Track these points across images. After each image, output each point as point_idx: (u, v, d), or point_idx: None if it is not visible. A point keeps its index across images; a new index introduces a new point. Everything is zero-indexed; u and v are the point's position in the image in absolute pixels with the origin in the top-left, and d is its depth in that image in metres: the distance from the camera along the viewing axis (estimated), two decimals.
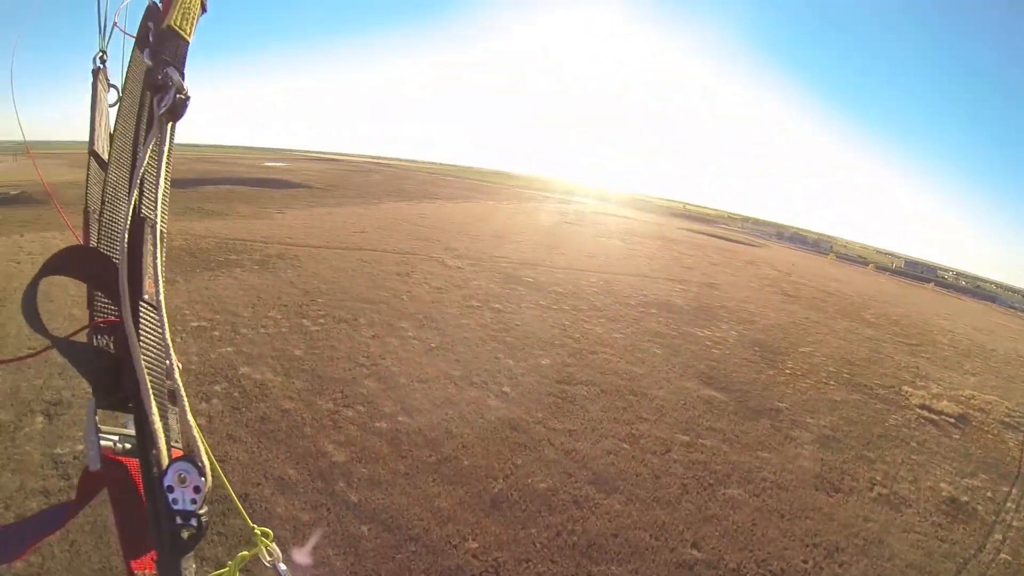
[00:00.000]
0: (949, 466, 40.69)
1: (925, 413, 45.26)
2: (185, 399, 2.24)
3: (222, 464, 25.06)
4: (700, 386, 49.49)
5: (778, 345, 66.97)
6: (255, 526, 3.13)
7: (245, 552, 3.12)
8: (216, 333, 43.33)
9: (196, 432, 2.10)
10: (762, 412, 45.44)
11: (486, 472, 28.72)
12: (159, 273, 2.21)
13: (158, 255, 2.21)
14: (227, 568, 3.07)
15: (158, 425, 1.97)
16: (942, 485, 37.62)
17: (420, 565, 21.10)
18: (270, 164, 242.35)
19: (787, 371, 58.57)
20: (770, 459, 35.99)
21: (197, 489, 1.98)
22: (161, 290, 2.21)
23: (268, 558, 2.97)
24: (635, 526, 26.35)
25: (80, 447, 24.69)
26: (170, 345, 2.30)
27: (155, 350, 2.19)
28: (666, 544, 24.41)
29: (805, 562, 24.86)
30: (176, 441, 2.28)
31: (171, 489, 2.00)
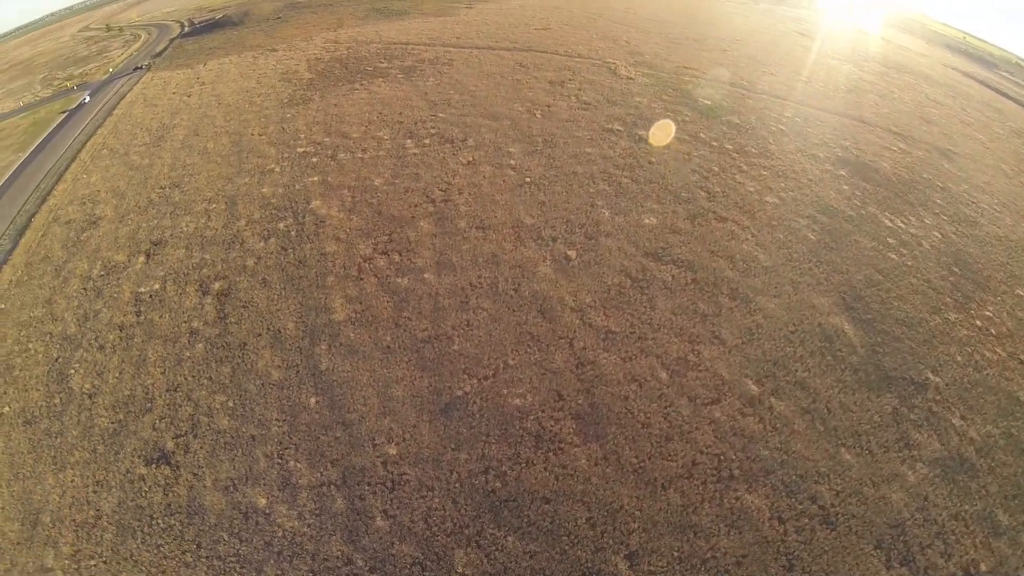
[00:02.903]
0: None
1: None
2: None
3: (244, 309, 31.02)
4: (833, 309, 31.67)
5: (990, 273, 37.74)
6: None
7: None
8: (314, 160, 49.47)
9: None
10: (895, 381, 26.50)
11: (469, 366, 26.92)
12: None
13: None
14: None
15: None
16: None
17: (332, 453, 23.44)
18: None
19: (978, 321, 33.20)
20: (852, 476, 20.70)
21: None
22: None
23: None
24: (581, 496, 19.80)
25: (157, 286, 33.92)
26: None
27: None
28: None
29: None
30: None
31: None
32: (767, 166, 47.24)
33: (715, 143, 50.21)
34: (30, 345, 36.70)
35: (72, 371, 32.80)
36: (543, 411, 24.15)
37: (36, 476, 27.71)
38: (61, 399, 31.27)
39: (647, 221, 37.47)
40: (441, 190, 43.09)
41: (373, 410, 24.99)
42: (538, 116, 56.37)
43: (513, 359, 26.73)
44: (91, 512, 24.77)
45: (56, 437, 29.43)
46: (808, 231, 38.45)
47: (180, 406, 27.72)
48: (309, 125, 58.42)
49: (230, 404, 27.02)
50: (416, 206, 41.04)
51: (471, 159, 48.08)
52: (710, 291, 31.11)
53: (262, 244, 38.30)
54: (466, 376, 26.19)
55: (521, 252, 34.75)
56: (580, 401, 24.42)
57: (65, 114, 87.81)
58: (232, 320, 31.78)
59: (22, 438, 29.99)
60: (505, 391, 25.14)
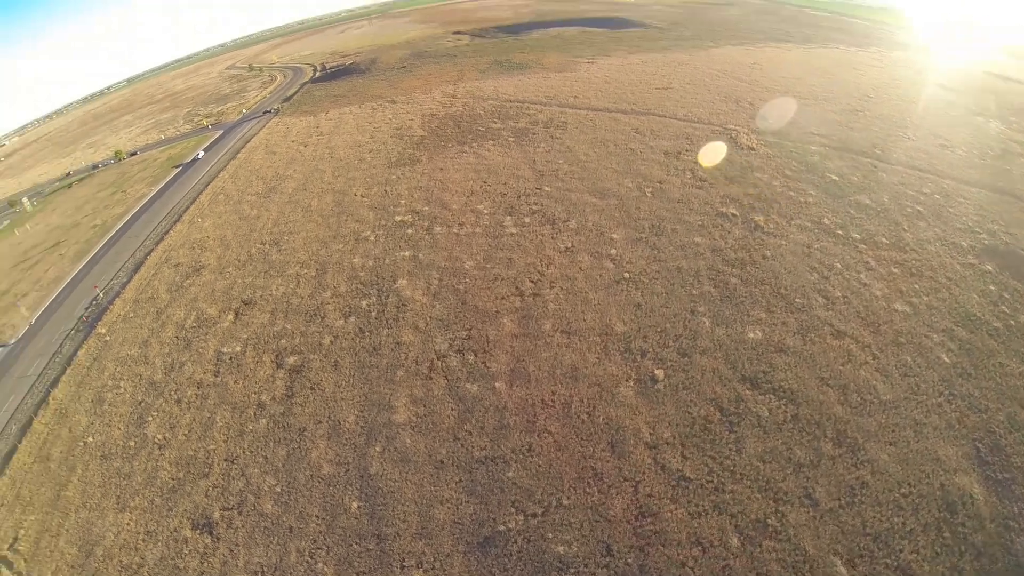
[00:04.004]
0: None
1: None
2: None
3: (311, 391, 35.82)
4: (962, 464, 28.65)
5: None
6: None
7: None
8: (410, 231, 55.88)
9: None
10: None
11: (519, 499, 28.57)
12: None
13: None
14: None
15: None
16: None
17: (361, 565, 26.06)
18: None
19: None
20: None
21: None
22: None
23: None
24: None
25: (238, 348, 40.12)
26: None
27: None
28: None
29: None
30: None
31: None
32: (899, 261, 45.03)
33: (840, 231, 48.98)
34: (121, 383, 44.79)
35: (150, 418, 39.65)
36: (586, 566, 24.95)
37: (100, 510, 34.23)
38: (136, 443, 38.07)
39: (751, 335, 37.44)
40: (532, 281, 46.11)
41: (410, 528, 27.41)
42: (648, 195, 58.55)
43: (568, 498, 27.96)
44: (136, 558, 29.93)
45: (124, 478, 35.96)
46: (942, 351, 35.83)
47: (233, 479, 32.39)
48: (411, 190, 65.89)
49: (278, 489, 31.10)
50: (503, 299, 44.28)
51: (570, 245, 50.91)
52: (812, 433, 30.27)
53: (342, 322, 43.73)
54: (513, 510, 27.83)
55: (605, 367, 36.31)
56: (630, 560, 24.91)
57: (179, 168, 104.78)
58: (298, 401, 36.67)
59: (97, 471, 37.17)
60: (551, 535, 26.33)
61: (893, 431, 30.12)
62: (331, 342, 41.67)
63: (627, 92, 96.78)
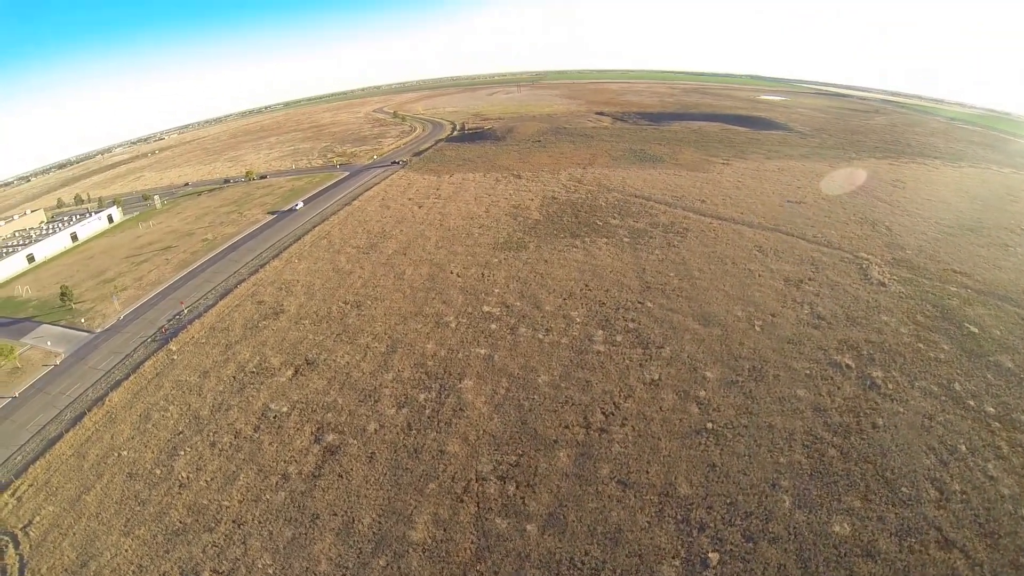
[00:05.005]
0: None
1: None
2: None
3: (339, 478, 37.03)
4: None
5: None
6: None
7: None
8: (493, 326, 57.26)
9: None
10: None
11: None
12: None
13: None
14: None
15: None
16: None
17: None
18: (766, 97, 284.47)
19: None
20: None
21: None
22: None
23: None
24: None
25: (285, 409, 42.57)
26: None
27: None
28: None
29: None
30: None
31: None
32: None
33: (971, 402, 42.91)
34: (171, 407, 48.78)
35: (182, 452, 43.11)
36: None
37: (108, 526, 37.80)
38: (161, 472, 41.54)
39: (837, 528, 33.37)
40: (604, 413, 44.78)
41: None
42: (756, 328, 55.49)
43: None
44: None
45: (139, 504, 39.24)
46: None
47: (234, 544, 34.24)
48: (509, 279, 67.50)
49: (270, 571, 32.42)
50: (566, 427, 43.26)
51: (657, 377, 49.03)
52: None
53: (393, 411, 45.00)
54: None
55: (653, 535, 34.17)
56: None
57: (274, 215, 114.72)
58: (322, 484, 37.91)
59: (119, 486, 41.28)
60: None
61: None
62: (375, 431, 42.86)
63: (757, 202, 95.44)
